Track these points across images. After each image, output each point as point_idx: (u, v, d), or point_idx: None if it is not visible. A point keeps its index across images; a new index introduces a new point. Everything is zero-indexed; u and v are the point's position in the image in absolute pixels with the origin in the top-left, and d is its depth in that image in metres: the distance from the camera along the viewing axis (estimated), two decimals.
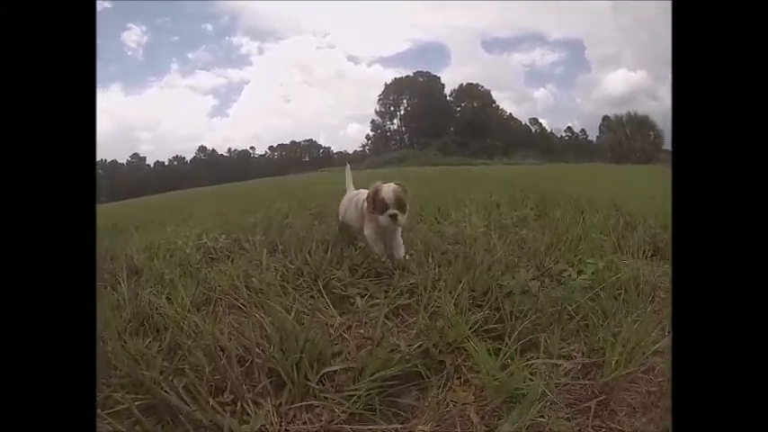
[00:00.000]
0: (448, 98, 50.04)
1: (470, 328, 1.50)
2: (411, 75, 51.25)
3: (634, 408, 1.21)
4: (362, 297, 1.84)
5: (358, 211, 2.40)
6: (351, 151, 55.68)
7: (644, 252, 2.46)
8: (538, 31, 70.71)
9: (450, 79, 57.60)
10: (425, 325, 1.53)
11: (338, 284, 1.96)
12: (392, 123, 51.21)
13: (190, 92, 69.81)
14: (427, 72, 51.35)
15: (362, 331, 1.62)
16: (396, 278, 1.97)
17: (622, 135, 40.91)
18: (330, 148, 60.61)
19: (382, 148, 46.74)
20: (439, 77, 51.44)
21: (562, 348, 1.44)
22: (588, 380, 1.31)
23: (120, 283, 2.07)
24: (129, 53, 58.06)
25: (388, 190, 2.13)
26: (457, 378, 1.35)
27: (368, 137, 51.78)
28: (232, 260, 2.52)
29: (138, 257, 2.68)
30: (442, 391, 1.29)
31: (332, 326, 1.64)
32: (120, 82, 65.66)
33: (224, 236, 2.94)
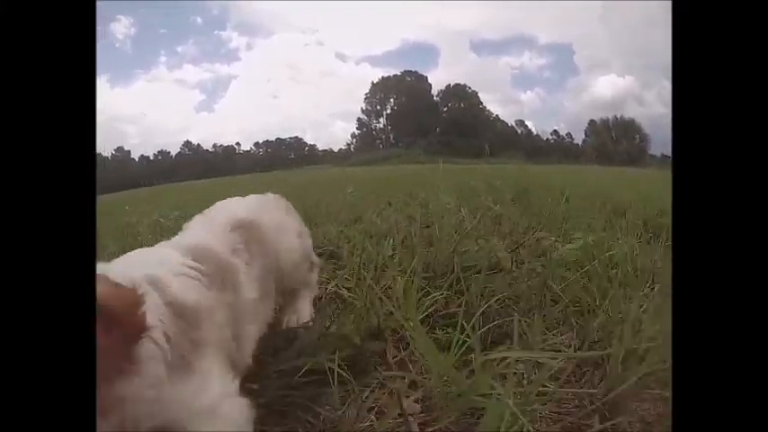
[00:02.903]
0: (435, 98, 50.11)
1: (424, 314, 1.13)
2: (399, 74, 51.30)
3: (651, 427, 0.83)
4: None
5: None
6: (336, 149, 55.39)
7: (637, 234, 2.14)
8: (528, 34, 71.56)
9: (438, 79, 57.67)
10: (363, 309, 1.15)
11: None
12: (378, 122, 51.08)
13: (177, 86, 68.50)
14: (415, 72, 51.46)
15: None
16: (345, 257, 1.60)
17: (608, 138, 41.48)
18: (316, 145, 60.29)
19: (368, 147, 46.39)
20: (426, 77, 51.59)
21: (546, 340, 1.07)
22: (585, 385, 0.94)
23: None
24: (117, 45, 56.52)
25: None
26: (401, 378, 0.98)
27: (354, 135, 51.53)
28: None
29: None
30: (371, 397, 0.92)
31: None
32: (107, 73, 63.97)
33: (177, 212, 2.58)
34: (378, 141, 49.73)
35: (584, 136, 48.79)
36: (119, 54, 57.05)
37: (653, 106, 47.42)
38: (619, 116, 41.85)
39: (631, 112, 51.70)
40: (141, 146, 75.04)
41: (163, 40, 67.28)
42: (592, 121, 47.43)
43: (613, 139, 41.99)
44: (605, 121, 43.03)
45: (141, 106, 65.19)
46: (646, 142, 38.80)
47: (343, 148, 52.91)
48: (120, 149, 54.49)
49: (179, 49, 68.95)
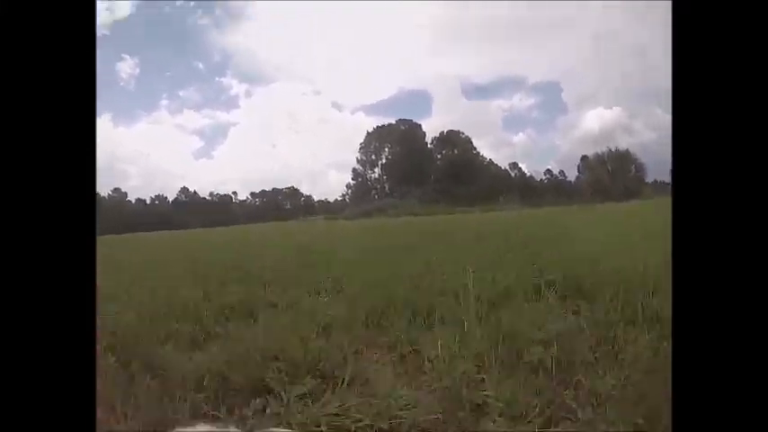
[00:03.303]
0: (429, 146, 50.80)
1: None
2: (393, 122, 52.31)
3: None
4: None
5: None
6: (332, 200, 55.35)
7: None
8: (516, 75, 74.05)
9: (432, 126, 58.91)
10: None
11: None
12: (373, 172, 51.41)
13: (177, 130, 69.95)
14: (409, 120, 52.53)
15: None
16: None
17: (603, 173, 41.38)
18: (311, 195, 60.31)
19: (362, 198, 46.23)
20: (420, 125, 52.61)
21: None
22: None
23: None
24: (122, 83, 57.95)
25: None
26: None
27: (348, 185, 51.62)
28: None
29: None
30: None
31: None
32: (110, 111, 65.10)
33: None
34: (373, 192, 49.75)
35: (576, 172, 49.14)
36: (123, 93, 58.65)
37: (642, 134, 48.33)
38: (613, 149, 41.87)
39: (621, 142, 52.49)
40: (139, 188, 75.45)
41: (166, 83, 69.59)
42: (584, 157, 47.81)
43: (609, 172, 41.91)
44: (600, 156, 43.11)
45: (142, 148, 66.32)
46: (642, 172, 38.57)
47: (339, 198, 52.92)
48: (117, 190, 54.52)
49: (181, 93, 71.03)
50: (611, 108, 59.31)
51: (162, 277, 4.45)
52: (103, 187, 53.93)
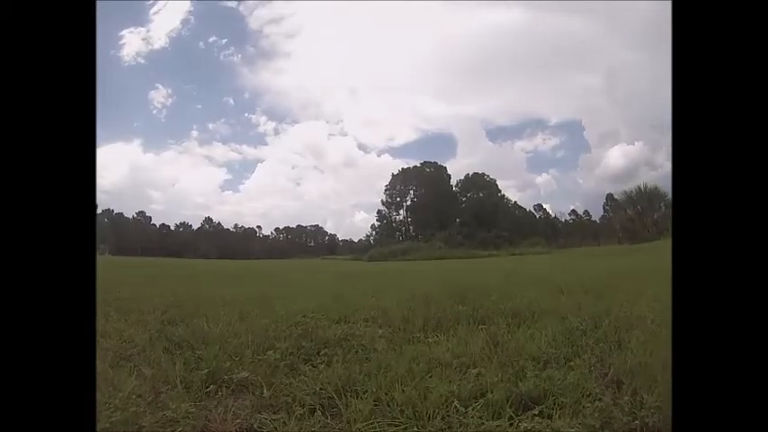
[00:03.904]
0: (454, 188, 50.78)
1: None
2: (418, 165, 52.88)
3: None
4: None
5: None
6: (356, 239, 55.42)
7: None
8: (539, 116, 74.29)
9: (457, 169, 59.18)
10: None
11: None
12: (398, 214, 51.57)
13: (205, 161, 72.64)
14: (434, 162, 53.07)
15: None
16: None
17: (633, 212, 39.58)
18: (336, 235, 60.69)
19: (387, 239, 45.99)
20: (445, 167, 52.98)
21: None
22: None
23: None
24: (154, 112, 61.40)
25: None
26: None
27: (373, 227, 51.72)
28: None
29: None
30: None
31: None
32: (141, 138, 68.42)
33: None
34: (397, 233, 49.53)
35: (602, 212, 47.47)
36: (154, 121, 62.04)
37: (665, 166, 46.55)
38: (643, 187, 40.05)
39: (645, 177, 50.83)
40: (163, 214, 77.52)
41: (197, 116, 73.08)
42: (609, 196, 46.25)
43: (639, 211, 39.95)
44: (628, 194, 41.27)
45: (169, 176, 69.11)
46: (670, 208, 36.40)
47: (363, 239, 52.88)
48: (141, 213, 56.21)
49: (210, 126, 74.40)
50: (632, 143, 58.36)
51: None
52: (128, 209, 56.27)
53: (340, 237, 60.09)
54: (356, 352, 2.82)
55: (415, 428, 1.64)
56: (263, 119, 72.17)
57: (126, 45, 54.72)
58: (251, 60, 72.85)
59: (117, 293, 5.75)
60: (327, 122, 73.13)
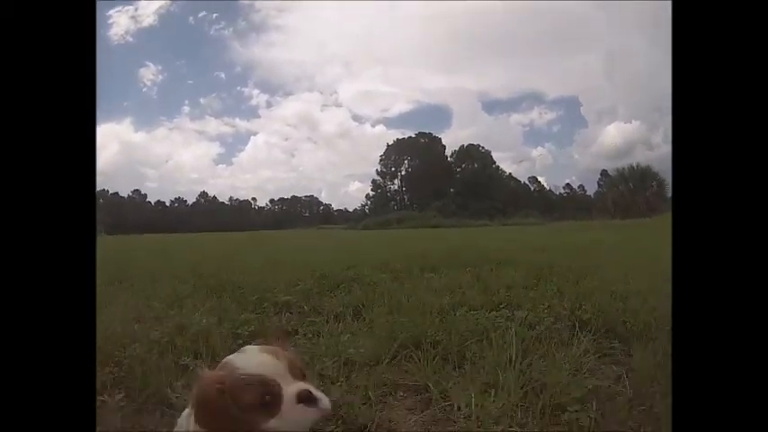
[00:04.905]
0: (449, 159, 51.21)
1: None
2: (413, 135, 53.02)
3: None
4: None
5: None
6: (351, 209, 56.09)
7: None
8: (536, 90, 74.24)
9: (452, 140, 59.34)
10: None
11: None
12: (393, 184, 52.08)
13: (198, 136, 71.89)
14: (429, 133, 53.19)
15: None
16: None
17: (625, 188, 40.57)
18: (331, 205, 61.25)
19: (382, 209, 46.78)
20: (440, 138, 53.20)
21: None
22: None
23: None
24: (144, 89, 60.40)
25: (258, 365, 0.86)
26: None
27: (368, 196, 52.41)
28: None
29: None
30: None
31: None
32: (132, 116, 67.55)
33: None
34: (392, 203, 50.34)
35: (596, 187, 48.52)
36: (144, 99, 61.01)
37: (662, 147, 47.24)
38: (635, 165, 41.06)
39: (641, 156, 51.71)
40: (158, 191, 77.47)
41: (188, 91, 71.72)
42: (604, 172, 47.21)
43: (631, 188, 40.97)
44: (621, 172, 42.28)
45: (162, 152, 68.54)
46: (663, 188, 37.55)
47: (358, 208, 53.67)
48: (136, 192, 56.27)
49: (202, 100, 73.20)
50: (629, 122, 58.73)
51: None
52: (123, 188, 55.98)
53: (335, 207, 60.77)
54: (368, 284, 3.55)
55: (420, 324, 2.34)
56: (255, 92, 71.10)
57: (114, 25, 52.40)
58: (242, 34, 70.77)
59: (130, 269, 5.17)
60: (321, 93, 72.20)
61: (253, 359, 0.86)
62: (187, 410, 0.93)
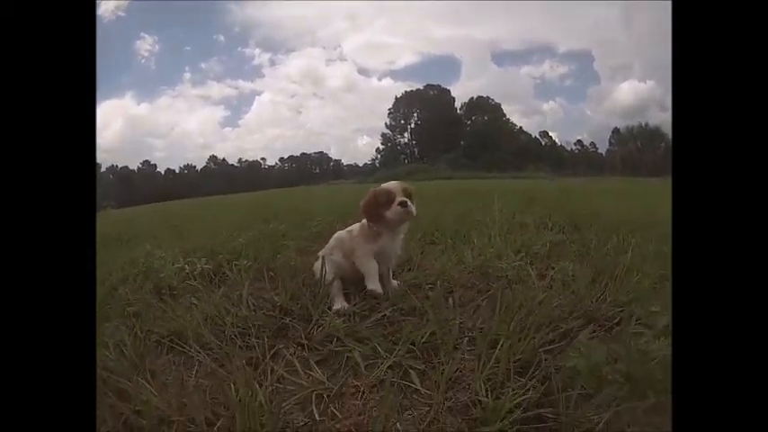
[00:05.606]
0: (458, 111, 50.03)
1: (508, 413, 1.09)
2: (421, 88, 51.54)
3: None
4: (362, 353, 1.44)
5: (345, 248, 2.04)
6: (361, 164, 55.92)
7: None
8: (547, 43, 70.81)
9: (461, 92, 57.69)
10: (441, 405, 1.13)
11: (332, 331, 1.57)
12: (402, 137, 51.35)
13: (201, 101, 71.07)
14: (438, 85, 51.62)
15: (358, 402, 1.22)
16: (406, 328, 1.57)
17: (633, 147, 39.84)
18: (341, 160, 61.06)
19: (392, 162, 46.59)
20: (449, 90, 51.64)
21: None
22: None
23: None
24: (143, 61, 59.39)
25: (388, 184, 1.93)
26: None
27: (378, 150, 51.98)
28: (219, 286, 2.21)
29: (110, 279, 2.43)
30: None
31: (317, 393, 1.25)
32: (133, 90, 66.94)
33: (205, 259, 2.54)
34: (402, 156, 49.99)
35: (608, 145, 47.47)
36: (144, 71, 60.10)
37: None
38: (644, 124, 40.08)
39: (655, 117, 49.90)
40: (167, 159, 77.84)
41: (187, 58, 70.32)
42: (616, 130, 46.04)
43: (639, 147, 40.17)
44: (630, 130, 41.30)
45: (167, 121, 68.31)
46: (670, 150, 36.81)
47: (368, 162, 53.52)
48: (146, 163, 56.57)
49: (203, 65, 71.63)
50: (644, 81, 55.98)
51: None
52: (132, 161, 55.89)
53: (345, 162, 60.63)
54: None
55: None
56: (257, 51, 68.86)
57: (102, 3, 50.30)
58: None
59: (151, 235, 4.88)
60: (324, 48, 69.65)
61: (389, 184, 1.91)
62: (318, 262, 2.07)
